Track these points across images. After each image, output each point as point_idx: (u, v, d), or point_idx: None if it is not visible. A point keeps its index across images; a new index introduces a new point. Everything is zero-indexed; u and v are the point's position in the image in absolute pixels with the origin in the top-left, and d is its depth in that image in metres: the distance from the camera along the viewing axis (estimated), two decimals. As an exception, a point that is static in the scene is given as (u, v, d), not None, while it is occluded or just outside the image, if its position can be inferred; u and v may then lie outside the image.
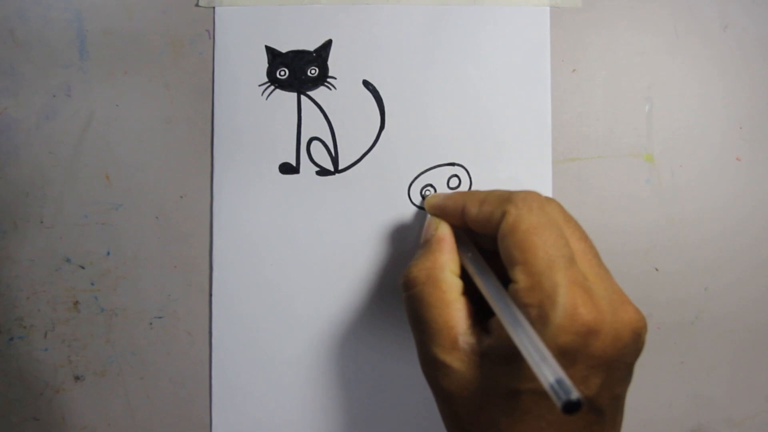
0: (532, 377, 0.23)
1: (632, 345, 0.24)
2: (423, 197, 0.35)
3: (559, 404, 0.19)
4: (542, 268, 0.23)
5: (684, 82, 0.36)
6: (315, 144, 0.35)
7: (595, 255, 0.26)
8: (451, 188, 0.35)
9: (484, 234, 0.27)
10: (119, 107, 0.36)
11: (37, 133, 0.35)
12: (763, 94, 0.36)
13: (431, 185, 0.35)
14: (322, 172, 0.35)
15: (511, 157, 0.35)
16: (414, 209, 0.35)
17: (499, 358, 0.24)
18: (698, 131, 0.36)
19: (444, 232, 0.29)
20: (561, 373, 0.20)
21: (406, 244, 0.35)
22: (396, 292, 0.35)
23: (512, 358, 0.23)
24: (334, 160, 0.35)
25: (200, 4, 0.35)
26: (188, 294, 0.35)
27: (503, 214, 0.25)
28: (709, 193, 0.36)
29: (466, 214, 0.28)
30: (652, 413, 0.35)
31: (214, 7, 0.35)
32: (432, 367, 0.26)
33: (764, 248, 0.36)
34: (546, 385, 0.20)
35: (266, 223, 0.35)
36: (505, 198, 0.26)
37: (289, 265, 0.35)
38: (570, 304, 0.22)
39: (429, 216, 0.31)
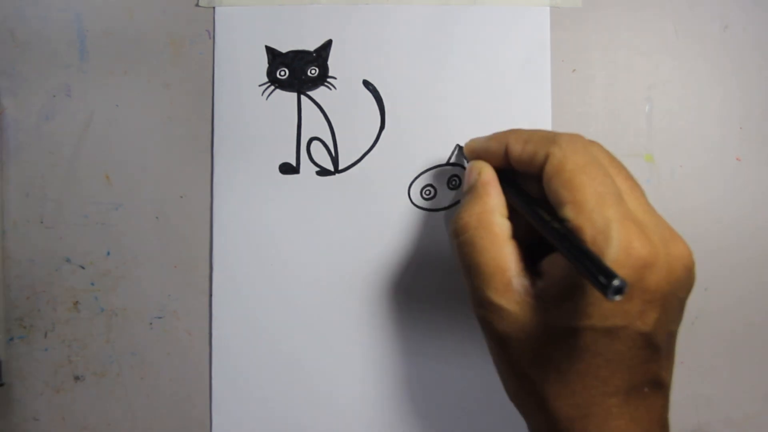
0: (589, 314, 0.23)
1: (685, 279, 0.24)
2: (423, 197, 0.35)
3: (603, 291, 0.20)
4: (593, 204, 0.23)
5: (684, 82, 0.36)
6: (315, 144, 0.35)
7: (642, 193, 0.26)
8: (451, 188, 0.35)
9: (528, 173, 0.27)
10: (119, 107, 0.36)
11: (37, 133, 0.35)
12: (763, 94, 0.36)
13: (431, 185, 0.35)
14: (322, 172, 0.35)
15: (511, 157, 0.35)
16: (414, 209, 0.35)
17: (553, 298, 0.24)
18: (698, 131, 0.36)
19: (489, 174, 0.29)
20: (604, 265, 0.20)
21: (406, 244, 0.35)
22: (397, 291, 0.35)
23: (567, 296, 0.23)
24: (334, 160, 0.35)
25: (200, 4, 0.35)
26: (188, 294, 0.35)
27: (547, 155, 0.25)
28: (708, 193, 0.36)
29: (510, 153, 0.28)
30: (652, 413, 0.35)
31: (214, 7, 0.35)
32: (487, 311, 0.26)
33: (764, 248, 0.36)
34: (591, 279, 0.20)
35: (266, 223, 0.35)
36: (550, 138, 0.26)
37: (289, 265, 0.35)
38: (624, 238, 0.22)
39: (470, 162, 0.30)
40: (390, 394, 0.35)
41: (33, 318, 0.35)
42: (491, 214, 0.27)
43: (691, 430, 0.36)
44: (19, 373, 0.35)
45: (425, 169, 0.35)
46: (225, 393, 0.35)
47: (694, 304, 0.36)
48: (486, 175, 0.29)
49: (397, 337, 0.35)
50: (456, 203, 0.35)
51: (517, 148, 0.27)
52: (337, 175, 0.35)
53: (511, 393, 0.27)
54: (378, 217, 0.35)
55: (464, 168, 0.35)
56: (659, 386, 0.25)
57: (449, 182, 0.35)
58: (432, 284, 0.35)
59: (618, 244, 0.22)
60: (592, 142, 0.26)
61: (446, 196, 0.35)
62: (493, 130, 0.35)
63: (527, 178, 0.27)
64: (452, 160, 0.35)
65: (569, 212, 0.24)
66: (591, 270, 0.21)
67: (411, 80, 0.35)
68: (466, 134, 0.35)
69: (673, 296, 0.24)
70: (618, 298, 0.20)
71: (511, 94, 0.35)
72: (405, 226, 0.35)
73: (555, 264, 0.24)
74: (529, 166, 0.27)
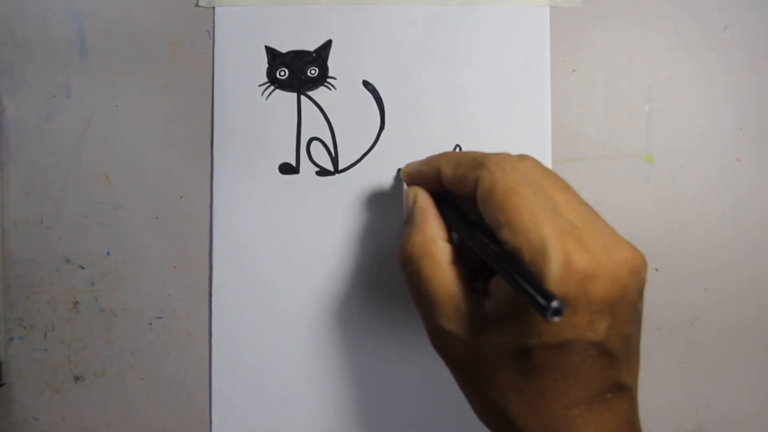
0: (538, 332, 0.23)
1: (632, 283, 0.24)
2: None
3: (542, 313, 0.20)
4: (527, 224, 0.23)
5: (684, 83, 0.36)
6: (315, 144, 0.35)
7: (580, 202, 0.25)
8: (451, 188, 0.35)
9: (462, 195, 0.27)
10: (119, 107, 0.36)
11: (37, 133, 0.35)
12: (764, 94, 0.36)
13: (431, 185, 0.35)
14: (322, 172, 0.35)
15: (511, 157, 0.35)
16: (414, 209, 0.35)
17: (502, 318, 0.24)
18: (698, 131, 0.36)
19: (424, 200, 0.29)
20: (539, 285, 0.21)
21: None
22: (396, 292, 0.35)
23: (515, 316, 0.23)
24: (334, 160, 0.35)
25: (200, 4, 0.35)
26: (188, 294, 0.35)
27: (476, 179, 0.25)
28: (708, 193, 0.36)
29: (442, 176, 0.28)
30: (652, 413, 0.35)
31: (214, 7, 0.35)
32: (440, 339, 0.26)
33: (764, 249, 0.36)
34: (531, 303, 0.21)
35: (266, 224, 0.35)
36: (478, 161, 0.26)
37: (289, 265, 0.35)
38: (562, 254, 0.22)
39: (405, 188, 0.31)
40: (391, 394, 0.35)
41: (33, 318, 0.35)
42: (432, 241, 0.27)
43: (691, 430, 0.36)
44: (19, 373, 0.35)
45: (425, 169, 0.35)
46: (225, 393, 0.35)
47: (694, 304, 0.36)
48: (421, 201, 0.29)
49: (398, 336, 0.35)
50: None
51: (448, 172, 0.27)
52: (336, 175, 0.35)
53: (479, 416, 0.27)
54: (378, 217, 0.35)
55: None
56: (622, 390, 0.24)
57: (449, 182, 0.35)
58: (432, 284, 0.35)
59: (556, 261, 0.22)
60: (522, 158, 0.26)
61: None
62: (493, 130, 0.35)
63: (465, 200, 0.27)
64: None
65: (506, 234, 0.24)
66: (529, 292, 0.21)
67: (411, 80, 0.35)
68: (466, 134, 0.35)
69: (622, 301, 0.23)
70: (557, 319, 0.20)
71: (511, 94, 0.35)
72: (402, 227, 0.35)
73: (500, 285, 0.24)
74: (462, 189, 0.27)
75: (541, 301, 0.20)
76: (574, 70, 0.36)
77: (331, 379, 0.35)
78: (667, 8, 0.36)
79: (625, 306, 0.24)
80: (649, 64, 0.36)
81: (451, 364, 0.27)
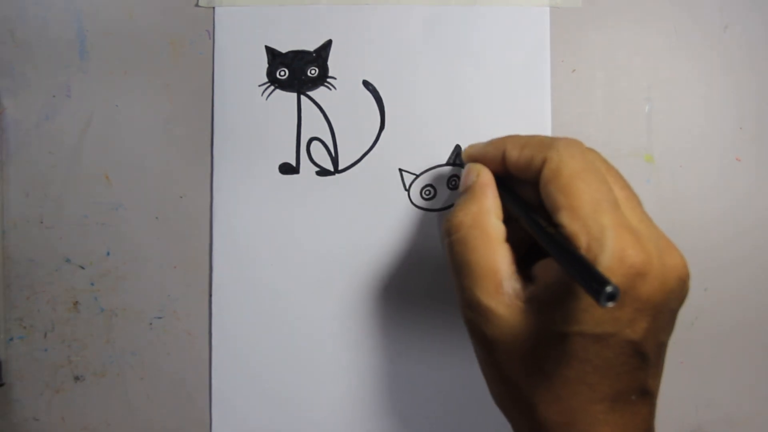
0: (579, 319, 0.23)
1: (678, 290, 0.24)
2: (423, 197, 0.35)
3: (596, 297, 0.20)
4: (588, 211, 0.23)
5: (684, 83, 0.36)
6: (315, 144, 0.35)
7: (639, 203, 0.26)
8: (451, 189, 0.35)
9: (525, 179, 0.27)
10: (119, 107, 0.36)
11: (37, 133, 0.35)
12: (764, 94, 0.36)
13: (431, 185, 0.35)
14: (322, 172, 0.35)
15: (511, 157, 0.35)
16: (414, 209, 0.35)
17: (544, 303, 0.24)
18: (698, 131, 0.36)
19: (487, 177, 0.29)
20: (600, 273, 0.20)
21: (405, 244, 0.35)
22: (396, 292, 0.35)
23: (559, 301, 0.23)
24: (334, 160, 0.35)
25: (200, 4, 0.36)
26: (188, 294, 0.35)
27: (544, 160, 0.25)
28: (708, 193, 0.36)
29: (507, 158, 0.28)
30: (652, 413, 0.35)
31: (214, 7, 0.35)
32: (475, 313, 0.25)
33: (764, 249, 0.36)
34: (587, 287, 0.20)
35: (266, 224, 0.35)
36: (547, 143, 0.26)
37: (288, 265, 0.35)
38: (618, 246, 0.22)
39: (467, 164, 0.30)
40: (391, 394, 0.35)
41: (33, 318, 0.35)
42: (487, 215, 0.27)
43: (691, 430, 0.36)
44: (19, 373, 0.35)
45: (425, 169, 0.35)
46: (225, 393, 0.35)
47: (694, 304, 0.36)
48: (484, 177, 0.28)
49: (398, 336, 0.35)
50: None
51: (514, 153, 0.27)
52: (336, 175, 0.35)
53: (496, 397, 0.27)
54: (378, 217, 0.35)
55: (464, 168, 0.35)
56: (646, 394, 0.24)
57: (449, 182, 0.35)
58: (432, 284, 0.35)
59: (612, 252, 0.22)
60: (590, 149, 0.26)
61: (446, 197, 0.35)
62: (493, 130, 0.35)
63: (524, 185, 0.27)
64: (452, 161, 0.35)
65: (564, 218, 0.23)
66: (584, 276, 0.21)
67: (411, 80, 0.35)
68: (465, 134, 0.35)
69: (665, 306, 0.24)
70: (610, 304, 0.20)
71: (510, 94, 0.35)
72: (405, 226, 0.35)
73: (547, 269, 0.24)
74: (527, 172, 0.26)
75: (595, 285, 0.20)
76: (574, 70, 0.36)
77: (331, 379, 0.35)
78: (667, 8, 0.36)
79: (667, 312, 0.24)
80: (649, 64, 0.36)
81: (479, 339, 0.26)
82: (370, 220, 0.35)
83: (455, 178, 0.35)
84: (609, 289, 0.19)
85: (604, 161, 0.26)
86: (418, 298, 0.35)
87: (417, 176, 0.35)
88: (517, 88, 0.35)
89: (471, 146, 0.31)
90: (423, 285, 0.35)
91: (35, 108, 0.35)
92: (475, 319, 0.26)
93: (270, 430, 0.35)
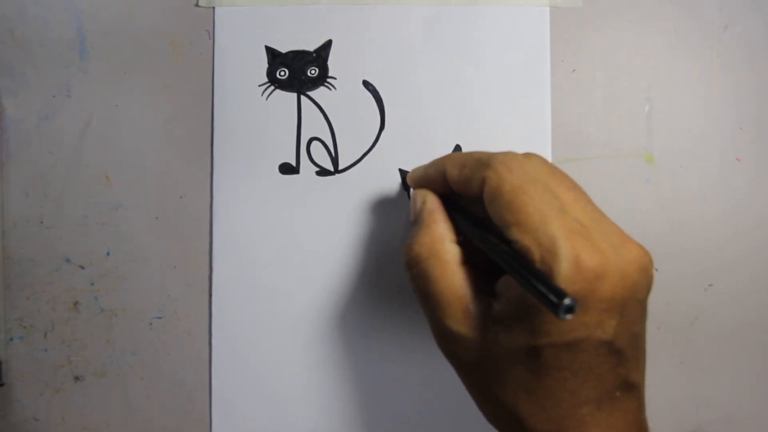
0: (547, 331, 0.23)
1: (641, 281, 0.24)
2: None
3: (554, 311, 0.20)
4: (536, 223, 0.23)
5: (684, 83, 0.36)
6: (315, 144, 0.35)
7: (588, 200, 0.25)
8: (451, 188, 0.35)
9: (469, 196, 0.27)
10: (119, 107, 0.36)
11: (37, 133, 0.35)
12: (764, 94, 0.36)
13: (431, 185, 0.35)
14: (322, 172, 0.35)
15: (511, 157, 0.35)
16: (414, 209, 0.35)
17: (511, 319, 0.24)
18: (698, 131, 0.36)
19: (432, 202, 0.29)
20: (551, 283, 0.21)
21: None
22: (397, 292, 0.35)
23: (524, 316, 0.23)
24: (334, 160, 0.35)
25: (200, 4, 0.36)
26: (188, 294, 0.35)
27: (483, 179, 0.25)
28: (708, 193, 0.36)
29: (448, 178, 0.28)
30: (652, 413, 0.35)
31: (214, 7, 0.35)
32: (448, 341, 0.26)
33: (764, 248, 0.36)
34: (541, 299, 0.21)
35: (266, 224, 0.35)
36: (484, 161, 0.26)
37: (288, 265, 0.35)
38: (571, 253, 0.22)
39: (413, 191, 0.31)
40: (391, 394, 0.35)
41: (33, 318, 0.35)
42: (440, 242, 0.27)
43: (691, 430, 0.36)
44: (19, 373, 0.35)
45: (425, 169, 0.35)
46: (225, 393, 0.35)
47: (694, 303, 0.36)
48: (430, 203, 0.29)
49: (398, 336, 0.35)
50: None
51: (454, 174, 0.27)
52: (336, 175, 0.35)
53: (488, 417, 0.27)
54: (378, 217, 0.35)
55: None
56: (630, 388, 0.24)
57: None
58: (432, 284, 0.35)
59: (566, 260, 0.22)
60: (528, 156, 0.26)
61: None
62: (493, 130, 0.35)
63: (472, 201, 0.27)
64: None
65: (514, 233, 0.23)
66: (540, 290, 0.21)
67: (411, 80, 0.35)
68: (465, 134, 0.35)
69: (631, 300, 0.23)
70: (569, 316, 0.20)
71: (511, 94, 0.35)
72: (405, 227, 0.35)
73: (509, 285, 0.24)
74: (468, 190, 0.27)
75: (553, 298, 0.20)
76: (574, 70, 0.36)
77: (331, 379, 0.35)
78: (667, 8, 0.36)
79: (634, 304, 0.24)
80: (649, 64, 0.36)
81: (459, 366, 0.26)
82: (370, 220, 0.35)
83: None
84: (567, 301, 0.20)
85: (546, 165, 0.26)
86: (418, 298, 0.35)
87: (417, 176, 0.35)
88: (517, 88, 0.35)
89: (414, 170, 0.31)
90: (423, 285, 0.35)
91: (35, 108, 0.35)
92: (449, 347, 0.26)
93: (270, 430, 0.35)
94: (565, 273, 0.22)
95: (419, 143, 0.35)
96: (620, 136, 0.36)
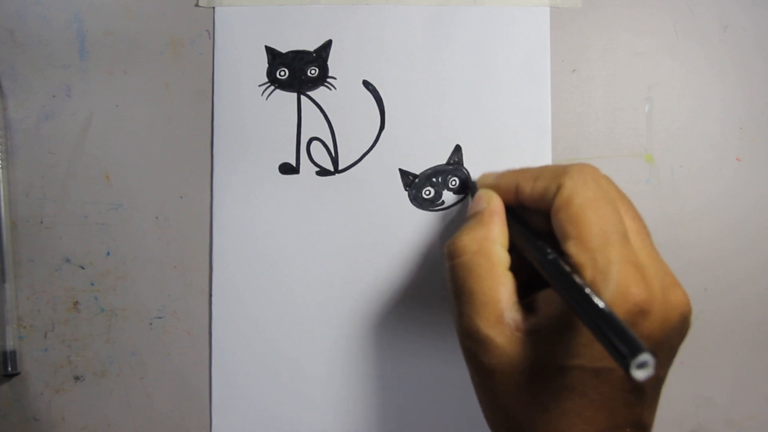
0: (580, 354, 0.23)
1: (679, 328, 0.24)
2: (423, 197, 0.35)
3: (626, 367, 0.18)
4: (597, 243, 0.23)
5: (684, 83, 0.36)
6: (315, 144, 0.35)
7: (648, 234, 0.25)
8: (451, 188, 0.35)
9: (539, 211, 0.27)
10: (119, 107, 0.36)
11: (37, 133, 0.35)
12: (763, 94, 0.36)
13: (431, 185, 0.35)
14: (322, 172, 0.35)
15: (511, 158, 0.35)
16: (414, 209, 0.35)
17: (545, 336, 0.24)
18: (698, 131, 0.36)
19: (497, 205, 0.28)
20: (633, 336, 0.18)
21: (405, 245, 0.35)
22: (397, 292, 0.35)
23: (560, 335, 0.23)
24: (334, 160, 0.35)
25: (200, 4, 0.36)
26: (188, 294, 0.35)
27: (559, 187, 0.25)
28: (708, 193, 0.36)
29: (520, 192, 0.27)
30: (652, 413, 0.35)
31: (214, 7, 0.35)
32: (474, 341, 0.25)
33: (764, 248, 0.36)
34: (613, 347, 0.19)
35: (266, 223, 0.35)
36: (560, 172, 0.25)
37: (289, 265, 0.35)
38: (622, 282, 0.22)
39: (479, 189, 0.30)
40: (391, 394, 0.35)
41: (33, 318, 0.35)
42: (493, 242, 0.26)
43: (691, 430, 0.36)
44: (19, 374, 0.35)
45: (425, 169, 0.35)
46: (225, 393, 0.35)
47: (694, 304, 0.35)
48: (494, 204, 0.28)
49: (399, 337, 0.35)
50: (455, 204, 0.35)
51: (527, 188, 0.27)
52: (336, 175, 0.35)
53: (490, 422, 0.26)
54: (378, 218, 0.35)
55: (464, 168, 0.35)
56: (641, 428, 0.24)
57: (449, 183, 0.35)
58: (432, 284, 0.35)
59: (616, 287, 0.22)
60: (604, 176, 0.26)
61: (446, 197, 0.35)
62: (493, 130, 0.35)
63: (535, 215, 0.27)
64: (452, 161, 0.35)
65: (572, 247, 0.23)
66: (609, 338, 0.19)
67: (411, 80, 0.35)
68: (465, 134, 0.35)
69: (665, 343, 0.23)
70: (641, 374, 0.17)
71: (511, 94, 0.35)
72: (405, 226, 0.35)
73: (549, 301, 0.24)
74: (541, 203, 0.26)
75: (623, 349, 0.18)
76: (574, 70, 0.36)
77: (332, 379, 0.35)
78: (667, 9, 0.36)
79: (666, 349, 0.24)
80: (649, 64, 0.36)
81: (476, 367, 0.26)
82: (370, 220, 0.35)
83: (455, 179, 0.35)
84: (643, 357, 0.17)
85: (617, 189, 0.26)
86: (418, 297, 0.35)
87: (417, 176, 0.35)
88: (517, 88, 0.35)
89: (485, 175, 0.30)
90: (422, 284, 0.35)
91: (35, 108, 0.35)
92: (473, 347, 0.25)
93: (270, 430, 0.35)
94: (610, 299, 0.22)
95: (419, 143, 0.35)
96: (620, 136, 0.36)
